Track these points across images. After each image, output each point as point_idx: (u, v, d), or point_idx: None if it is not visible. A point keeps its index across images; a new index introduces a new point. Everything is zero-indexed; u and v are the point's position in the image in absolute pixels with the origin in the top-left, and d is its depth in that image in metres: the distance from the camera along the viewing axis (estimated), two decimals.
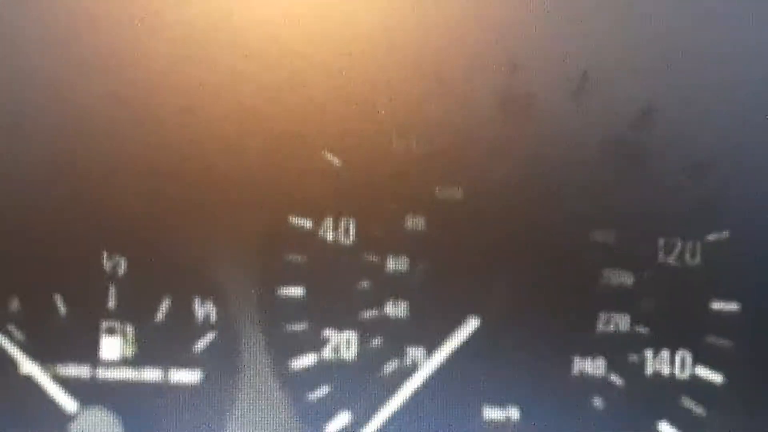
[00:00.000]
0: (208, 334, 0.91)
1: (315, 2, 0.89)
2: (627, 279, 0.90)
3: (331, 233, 0.92)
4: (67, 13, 0.85)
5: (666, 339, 0.90)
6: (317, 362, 0.92)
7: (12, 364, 0.90)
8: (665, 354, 0.90)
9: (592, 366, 0.91)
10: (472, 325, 0.90)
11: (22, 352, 0.89)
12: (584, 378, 0.91)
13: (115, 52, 0.87)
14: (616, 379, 0.91)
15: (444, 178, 0.92)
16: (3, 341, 0.89)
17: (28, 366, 0.90)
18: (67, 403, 0.88)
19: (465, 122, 0.91)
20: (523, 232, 0.91)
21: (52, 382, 0.89)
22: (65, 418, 0.88)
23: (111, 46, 0.87)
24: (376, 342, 0.92)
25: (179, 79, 0.88)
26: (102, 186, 0.90)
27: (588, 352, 0.91)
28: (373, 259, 0.92)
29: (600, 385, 0.91)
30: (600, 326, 0.91)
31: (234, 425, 0.91)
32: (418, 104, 0.91)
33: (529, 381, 0.91)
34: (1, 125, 0.88)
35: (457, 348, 0.90)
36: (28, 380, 0.90)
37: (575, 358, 0.91)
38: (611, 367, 0.91)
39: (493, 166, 0.91)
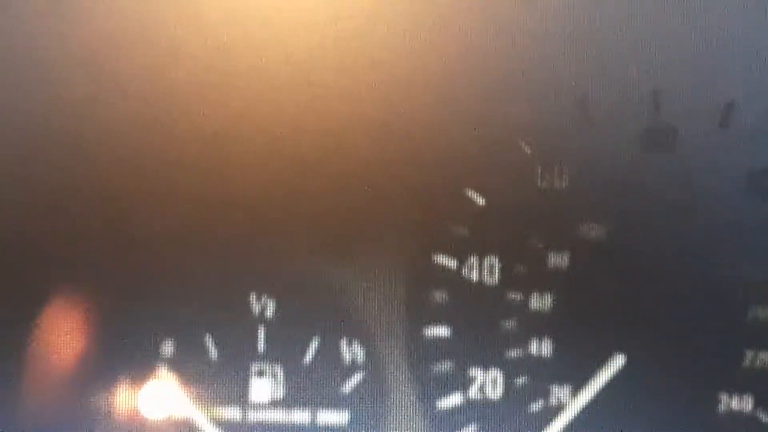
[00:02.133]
0: (355, 375, 0.91)
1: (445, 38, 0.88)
2: None
3: (475, 272, 0.92)
4: (91, 38, 0.86)
5: None
6: (463, 402, 0.92)
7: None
8: None
9: (740, 403, 0.90)
10: (617, 362, 0.89)
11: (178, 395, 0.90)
12: (732, 415, 0.90)
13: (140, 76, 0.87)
14: (764, 416, 0.90)
15: (588, 215, 0.91)
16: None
17: (185, 409, 0.90)
18: None
19: (609, 157, 0.90)
20: (669, 269, 0.89)
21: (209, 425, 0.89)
22: None
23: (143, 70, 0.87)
24: (522, 381, 0.92)
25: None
26: (250, 230, 0.90)
27: (735, 389, 0.90)
28: (518, 298, 0.91)
29: (747, 423, 0.90)
30: (747, 363, 0.90)
31: None
32: (563, 139, 0.90)
33: (675, 419, 0.90)
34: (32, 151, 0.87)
35: (603, 386, 0.89)
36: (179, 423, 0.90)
37: (722, 395, 0.90)
38: (759, 404, 0.90)
39: (637, 202, 0.90)
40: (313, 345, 0.91)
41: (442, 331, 0.92)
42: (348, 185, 0.91)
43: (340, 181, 0.91)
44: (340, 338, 0.91)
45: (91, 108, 0.87)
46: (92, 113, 0.88)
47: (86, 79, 0.87)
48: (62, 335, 0.91)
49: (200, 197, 0.90)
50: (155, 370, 0.92)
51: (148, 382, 0.92)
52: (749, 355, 0.91)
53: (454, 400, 0.92)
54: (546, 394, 0.92)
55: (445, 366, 0.92)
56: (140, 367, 0.92)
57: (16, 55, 0.86)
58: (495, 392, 0.92)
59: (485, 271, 0.92)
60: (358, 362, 0.91)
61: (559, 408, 0.91)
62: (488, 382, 0.92)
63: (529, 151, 0.92)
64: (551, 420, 0.90)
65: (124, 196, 0.90)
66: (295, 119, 0.88)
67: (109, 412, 0.92)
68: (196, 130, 0.88)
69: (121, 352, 0.92)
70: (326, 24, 0.85)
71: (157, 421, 0.92)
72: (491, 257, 0.92)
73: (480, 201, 0.92)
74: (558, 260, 0.92)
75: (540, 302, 0.92)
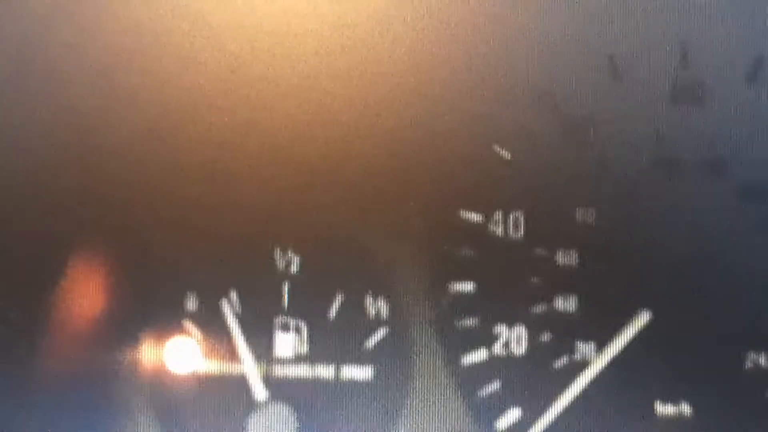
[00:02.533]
0: (379, 331, 0.91)
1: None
2: None
3: (501, 227, 0.91)
4: (101, 49, 0.86)
5: None
6: (488, 358, 0.92)
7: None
8: None
9: (767, 359, 0.89)
10: (643, 319, 0.89)
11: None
12: (759, 372, 0.89)
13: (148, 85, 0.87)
14: None
15: (615, 170, 0.90)
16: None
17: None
18: (259, 391, 0.88)
19: (636, 111, 0.89)
20: (697, 224, 0.89)
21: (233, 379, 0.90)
22: (245, 410, 0.88)
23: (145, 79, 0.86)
24: (546, 337, 0.91)
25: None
26: (271, 183, 0.90)
27: (762, 345, 0.89)
28: (543, 253, 0.91)
29: None
30: None
31: (405, 421, 0.91)
32: (589, 94, 0.89)
33: (701, 376, 0.89)
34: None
35: (628, 343, 0.89)
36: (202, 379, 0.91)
37: (749, 352, 0.89)
38: None
39: (665, 156, 0.89)
40: (338, 300, 0.91)
41: (466, 286, 0.92)
42: (371, 138, 0.90)
43: (358, 134, 0.90)
44: (365, 294, 0.91)
45: (102, 118, 0.88)
46: (103, 123, 0.88)
47: (96, 89, 0.87)
48: (85, 292, 0.91)
49: (209, 205, 0.90)
50: (180, 325, 0.91)
51: (172, 337, 0.92)
52: None
53: (478, 356, 0.92)
54: (571, 351, 0.91)
55: (469, 322, 0.92)
56: (165, 322, 0.92)
57: (28, 66, 0.87)
58: (519, 348, 0.92)
59: (510, 226, 0.92)
60: (383, 317, 0.91)
61: (584, 364, 0.90)
62: (513, 338, 0.92)
63: (556, 107, 0.90)
64: (576, 376, 0.90)
65: (133, 204, 0.90)
66: (303, 127, 0.88)
67: (134, 368, 0.92)
68: (206, 139, 0.89)
69: (146, 308, 0.91)
70: (333, 33, 0.85)
71: (182, 376, 0.92)
72: (517, 212, 0.92)
73: (506, 156, 0.91)
74: (584, 216, 0.91)
75: (565, 258, 0.92)
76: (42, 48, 0.86)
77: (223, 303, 0.91)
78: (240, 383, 0.92)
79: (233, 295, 0.92)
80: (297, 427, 0.90)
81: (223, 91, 0.88)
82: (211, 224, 0.92)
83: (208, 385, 0.92)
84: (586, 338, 0.92)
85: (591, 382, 0.90)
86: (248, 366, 0.91)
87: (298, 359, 0.92)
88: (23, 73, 0.87)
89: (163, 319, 0.92)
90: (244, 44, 0.86)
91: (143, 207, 0.91)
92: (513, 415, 0.92)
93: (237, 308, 0.92)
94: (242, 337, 0.91)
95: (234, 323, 0.91)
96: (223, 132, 0.89)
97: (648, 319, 0.90)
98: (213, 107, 0.88)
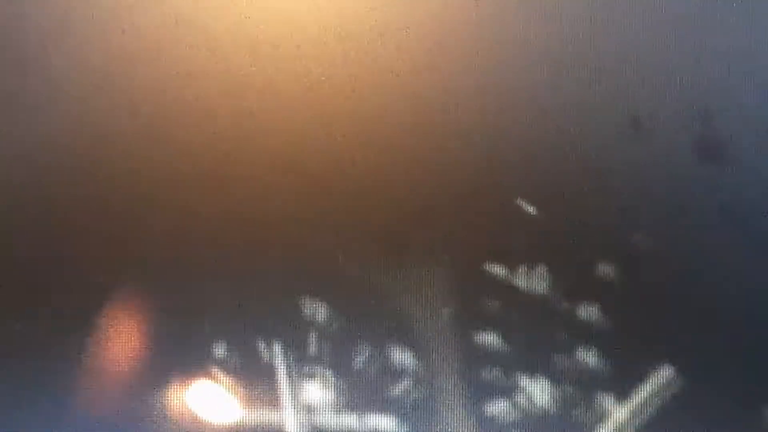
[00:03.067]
0: (404, 380, 0.92)
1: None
2: None
3: (524, 280, 0.92)
4: (104, 58, 0.86)
5: None
6: (511, 409, 0.92)
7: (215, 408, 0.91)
8: None
9: None
10: (665, 373, 0.89)
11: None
12: None
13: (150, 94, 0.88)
14: None
15: (638, 226, 0.91)
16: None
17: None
18: None
19: (660, 168, 0.91)
20: (719, 281, 0.90)
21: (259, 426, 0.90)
22: None
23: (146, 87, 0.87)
24: (569, 390, 0.92)
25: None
26: (296, 233, 0.91)
27: None
28: (567, 307, 0.92)
29: None
30: None
31: None
32: (613, 151, 0.91)
33: (723, 430, 0.90)
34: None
35: (650, 396, 0.89)
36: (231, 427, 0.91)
37: None
38: None
39: (687, 216, 0.90)
40: (363, 350, 0.91)
41: (490, 338, 0.92)
42: (396, 191, 0.91)
43: (389, 184, 0.91)
44: (390, 343, 0.92)
45: (104, 126, 0.88)
46: (105, 131, 0.88)
47: (99, 97, 0.88)
48: (115, 336, 0.91)
49: (213, 215, 0.90)
50: (206, 371, 0.92)
51: (199, 383, 0.92)
52: None
53: (500, 406, 0.92)
54: (592, 404, 0.92)
55: (492, 373, 0.92)
56: (192, 368, 0.92)
57: (29, 74, 0.87)
58: (542, 400, 0.92)
59: (534, 279, 0.93)
60: (407, 367, 0.92)
61: (605, 417, 0.91)
62: (535, 390, 0.92)
63: (580, 162, 0.92)
64: (596, 429, 0.90)
65: (133, 212, 0.91)
66: (305, 137, 0.88)
67: (162, 411, 0.93)
68: (208, 148, 0.89)
69: (174, 353, 0.92)
70: (335, 44, 0.86)
71: (208, 421, 0.92)
72: (541, 266, 0.93)
73: (530, 210, 0.92)
74: (606, 270, 0.92)
75: (588, 311, 0.92)
76: (42, 56, 0.87)
77: (250, 350, 0.92)
78: (267, 429, 0.92)
79: (259, 342, 0.92)
80: None
81: (224, 101, 0.88)
82: (240, 270, 0.92)
83: None
84: (607, 391, 0.92)
85: None
86: (281, 414, 0.91)
87: (323, 407, 0.93)
88: (23, 82, 0.88)
89: (190, 364, 0.92)
90: (246, 54, 0.87)
91: (147, 221, 0.91)
92: None
93: (264, 355, 0.92)
94: (270, 384, 0.92)
95: (262, 371, 0.92)
96: (225, 142, 0.89)
97: (670, 373, 0.90)
98: (215, 117, 0.89)
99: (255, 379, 0.94)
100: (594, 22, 0.90)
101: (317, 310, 0.94)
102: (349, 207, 0.93)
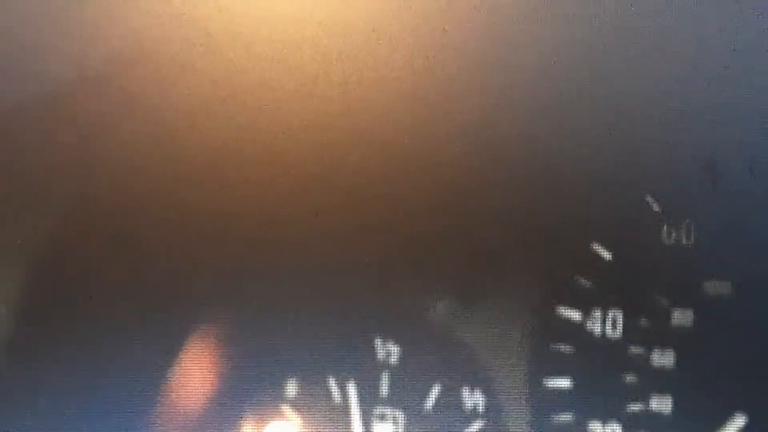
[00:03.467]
0: (475, 423, 0.92)
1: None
2: None
3: (598, 325, 0.92)
4: (99, 56, 0.86)
5: None
6: None
7: None
8: None
9: None
10: (738, 422, 0.89)
11: None
12: None
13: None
14: None
15: (713, 272, 0.90)
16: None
17: None
18: None
19: (736, 214, 0.90)
20: None
21: None
22: None
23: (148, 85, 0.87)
24: None
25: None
26: (374, 273, 0.91)
27: None
28: (639, 353, 0.91)
29: None
30: None
31: None
32: (689, 195, 0.90)
33: None
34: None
35: None
36: None
37: None
38: None
39: (763, 261, 0.89)
40: (435, 391, 0.92)
41: (562, 382, 0.92)
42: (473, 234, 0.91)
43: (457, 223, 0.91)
44: (462, 386, 0.92)
45: (100, 124, 0.88)
46: (101, 130, 0.89)
47: (94, 96, 0.88)
48: (189, 375, 0.92)
49: (211, 211, 0.90)
50: (279, 410, 0.93)
51: (271, 422, 0.93)
52: None
53: None
54: None
55: (564, 417, 0.92)
56: (264, 407, 0.93)
57: (26, 74, 0.88)
58: None
59: (608, 324, 0.92)
60: (479, 410, 0.92)
61: None
62: None
63: (656, 208, 0.91)
64: None
65: (130, 210, 0.91)
66: (300, 134, 0.88)
67: None
68: (204, 145, 0.89)
69: (246, 392, 0.93)
70: (331, 40, 0.86)
71: None
72: (615, 311, 0.92)
73: (606, 255, 0.92)
74: (681, 316, 0.92)
75: (661, 358, 0.92)
76: (39, 56, 0.87)
77: (323, 390, 0.92)
78: None
79: (332, 383, 0.93)
80: None
81: (221, 98, 0.88)
82: (313, 311, 0.93)
83: None
84: None
85: None
86: None
87: None
88: (21, 82, 0.88)
89: (263, 403, 0.93)
90: (241, 51, 0.87)
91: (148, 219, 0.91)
92: None
93: (336, 396, 0.93)
94: (344, 425, 0.92)
95: (334, 411, 0.92)
96: (220, 138, 0.90)
97: (744, 422, 0.90)
98: (211, 114, 0.89)
99: (326, 419, 0.94)
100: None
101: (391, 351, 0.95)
102: (427, 241, 0.93)
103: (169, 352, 0.92)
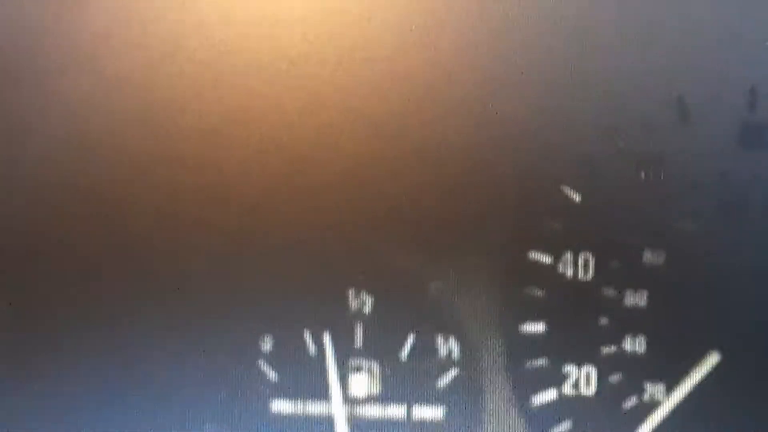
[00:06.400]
0: (450, 371, 0.92)
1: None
2: None
3: (570, 268, 0.92)
4: (89, 37, 0.86)
5: None
6: (558, 398, 0.92)
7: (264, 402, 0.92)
8: None
9: None
10: (712, 360, 0.89)
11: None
12: None
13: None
14: None
15: (684, 211, 0.90)
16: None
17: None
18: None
19: (706, 153, 0.89)
20: (765, 266, 0.89)
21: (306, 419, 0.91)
22: None
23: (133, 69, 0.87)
24: (616, 378, 0.92)
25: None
26: (351, 223, 0.90)
27: None
28: (612, 294, 0.91)
29: None
30: None
31: None
32: (659, 135, 0.89)
33: None
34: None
35: (697, 384, 0.89)
36: (279, 419, 0.91)
37: None
38: None
39: (733, 198, 0.90)
40: (410, 341, 0.92)
41: (536, 327, 0.92)
42: (437, 181, 0.91)
43: (408, 180, 0.90)
44: (436, 334, 0.92)
45: (90, 106, 0.88)
46: (90, 111, 0.88)
47: (84, 77, 0.87)
48: (160, 331, 0.92)
49: (202, 193, 0.90)
50: (254, 365, 0.92)
51: (247, 377, 0.93)
52: None
53: (548, 396, 0.93)
54: (640, 391, 0.92)
55: (539, 362, 0.92)
56: (240, 362, 0.93)
57: (15, 56, 0.87)
58: (589, 389, 0.92)
59: (580, 267, 0.92)
60: (454, 358, 0.92)
61: (653, 405, 0.91)
62: (582, 379, 0.92)
63: (624, 147, 0.91)
64: (645, 417, 0.90)
65: (122, 193, 0.91)
66: (292, 114, 0.88)
67: (209, 406, 0.93)
68: (194, 127, 0.89)
69: (221, 347, 0.92)
70: (322, 19, 0.85)
71: (255, 415, 0.93)
72: (586, 253, 0.92)
73: (575, 197, 0.92)
74: (653, 256, 0.92)
75: (634, 299, 0.92)
76: (29, 37, 0.86)
77: (297, 344, 0.92)
78: (319, 423, 0.92)
79: (307, 335, 0.92)
80: None
81: (211, 78, 0.88)
82: (285, 264, 0.92)
83: (285, 425, 0.93)
84: (655, 379, 0.92)
85: (660, 422, 0.90)
86: (331, 406, 0.91)
87: (370, 399, 0.93)
88: (9, 63, 0.88)
89: (238, 358, 0.93)
90: (231, 32, 0.86)
91: (136, 202, 0.91)
92: None
93: (311, 349, 0.93)
94: (320, 377, 0.92)
95: (310, 364, 0.92)
96: (211, 120, 0.89)
97: (717, 359, 0.90)
98: (201, 95, 0.88)
99: (301, 371, 0.94)
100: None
101: (364, 302, 0.94)
102: (398, 191, 0.93)
103: (142, 310, 0.92)
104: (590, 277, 0.93)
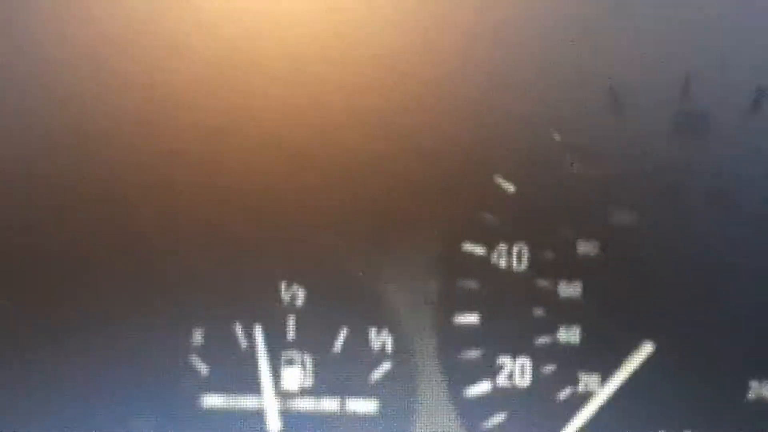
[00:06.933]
0: (384, 364, 0.91)
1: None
2: None
3: (504, 259, 0.92)
4: (93, 36, 0.85)
5: None
6: (492, 390, 0.92)
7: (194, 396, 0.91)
8: None
9: None
10: (646, 350, 0.89)
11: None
12: (761, 403, 0.89)
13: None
14: None
15: (618, 202, 0.90)
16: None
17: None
18: (273, 425, 0.89)
19: (639, 143, 0.89)
20: (700, 256, 0.89)
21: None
22: None
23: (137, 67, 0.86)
24: (550, 369, 0.92)
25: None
26: (283, 216, 0.90)
27: (766, 376, 0.89)
28: (546, 285, 0.91)
29: None
30: None
31: None
32: (592, 125, 0.89)
33: (704, 406, 0.90)
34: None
35: (632, 374, 0.89)
36: (211, 413, 0.91)
37: (752, 382, 0.90)
38: None
39: (668, 188, 0.89)
40: (342, 334, 0.91)
41: (470, 318, 0.92)
42: (381, 173, 0.90)
43: (376, 166, 0.90)
44: (369, 327, 0.91)
45: (94, 104, 0.88)
46: (95, 109, 0.88)
47: (88, 75, 0.87)
48: (92, 325, 0.91)
49: (203, 190, 0.90)
50: (185, 358, 0.92)
51: (177, 371, 0.92)
52: None
53: (482, 387, 0.92)
54: (574, 382, 0.92)
55: (473, 354, 0.92)
56: (170, 357, 0.92)
57: (21, 55, 0.86)
58: (524, 380, 0.92)
59: (514, 258, 0.92)
60: (387, 351, 0.92)
61: (588, 396, 0.91)
62: (517, 370, 0.92)
63: (558, 138, 0.91)
64: (579, 407, 0.90)
65: (126, 190, 0.90)
66: (294, 112, 0.88)
67: (138, 401, 0.93)
68: (197, 124, 0.88)
69: (152, 341, 0.92)
70: (324, 17, 0.85)
71: (187, 410, 0.92)
72: (520, 244, 0.92)
73: (509, 188, 0.91)
74: (587, 247, 0.92)
75: (568, 290, 0.92)
76: (32, 35, 0.86)
77: (229, 337, 0.92)
78: (251, 417, 0.92)
79: (239, 329, 0.92)
80: None
81: (214, 75, 0.88)
82: (216, 258, 0.92)
83: (216, 419, 0.93)
84: (589, 369, 0.92)
85: (595, 413, 0.90)
86: (263, 400, 0.91)
87: (303, 393, 0.92)
88: (14, 61, 0.87)
89: (169, 352, 0.92)
90: (234, 29, 0.86)
91: (135, 199, 0.90)
92: None
93: (242, 342, 0.92)
94: (251, 370, 0.91)
95: (241, 357, 0.92)
96: (214, 117, 0.89)
97: (651, 349, 0.90)
98: (204, 92, 0.88)
99: (232, 365, 0.94)
100: None
101: (296, 294, 0.94)
102: (332, 184, 0.92)
103: (75, 304, 0.91)
104: (524, 268, 0.93)
